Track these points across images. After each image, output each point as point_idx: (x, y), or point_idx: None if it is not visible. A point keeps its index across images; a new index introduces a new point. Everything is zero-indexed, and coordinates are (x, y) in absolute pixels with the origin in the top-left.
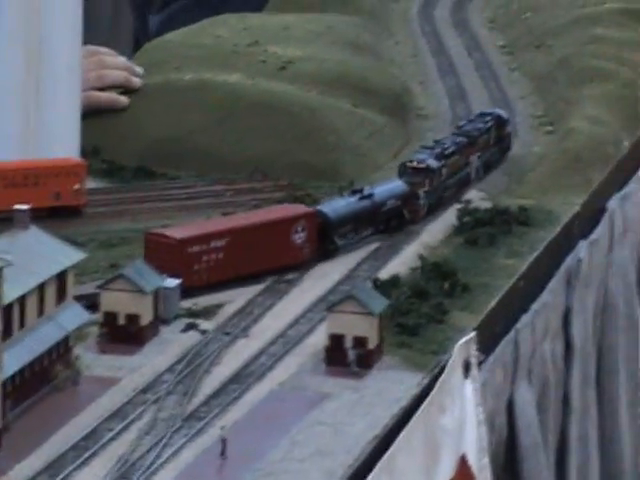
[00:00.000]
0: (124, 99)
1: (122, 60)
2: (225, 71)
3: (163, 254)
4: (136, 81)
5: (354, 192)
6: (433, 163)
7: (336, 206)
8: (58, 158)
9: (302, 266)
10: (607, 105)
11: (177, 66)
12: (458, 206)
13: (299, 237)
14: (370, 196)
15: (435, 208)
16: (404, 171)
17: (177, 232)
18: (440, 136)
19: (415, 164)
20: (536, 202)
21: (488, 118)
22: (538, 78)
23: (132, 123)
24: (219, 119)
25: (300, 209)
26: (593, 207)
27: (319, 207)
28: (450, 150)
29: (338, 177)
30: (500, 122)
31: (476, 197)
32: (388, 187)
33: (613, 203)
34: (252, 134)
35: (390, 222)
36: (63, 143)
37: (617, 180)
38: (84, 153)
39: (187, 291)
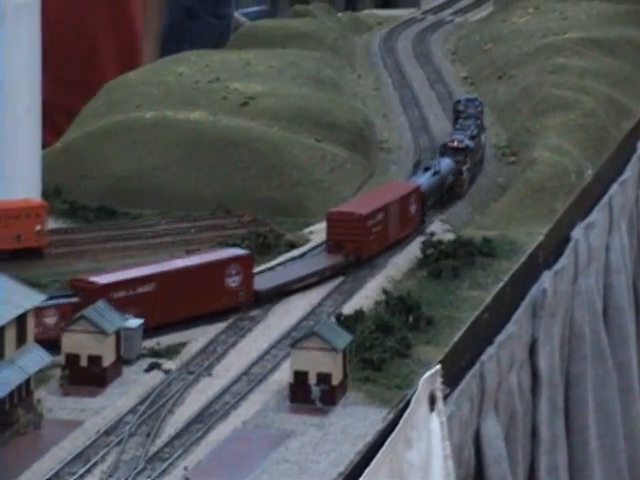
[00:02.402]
0: None
1: None
2: (187, 108)
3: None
4: None
5: (426, 169)
6: (470, 143)
7: (421, 181)
8: (19, 200)
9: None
10: (569, 134)
11: (138, 104)
12: (422, 239)
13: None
14: (439, 172)
15: (471, 183)
16: (445, 151)
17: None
18: (404, 170)
19: (456, 144)
20: (500, 233)
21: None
22: (500, 108)
23: (93, 162)
24: (181, 156)
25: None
26: (557, 237)
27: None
28: (475, 132)
29: (302, 212)
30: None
31: (440, 229)
32: (445, 164)
33: (577, 232)
34: (215, 170)
35: (445, 195)
36: (24, 184)
37: (581, 209)
38: (45, 194)
39: None
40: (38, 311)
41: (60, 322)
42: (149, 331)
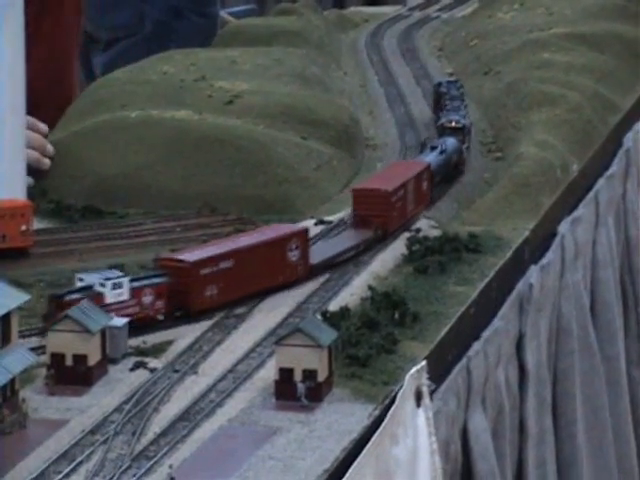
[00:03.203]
0: (47, 160)
1: (38, 137)
2: (172, 107)
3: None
4: (46, 163)
5: (433, 148)
6: (466, 122)
7: (430, 160)
8: (3, 200)
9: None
10: (555, 130)
11: (123, 103)
12: (407, 235)
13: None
14: (445, 151)
15: (469, 160)
16: (443, 131)
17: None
18: (390, 162)
19: (454, 124)
20: (486, 228)
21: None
22: (486, 104)
23: (79, 162)
24: (167, 155)
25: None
26: (543, 232)
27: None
28: (467, 112)
29: (288, 209)
30: None
31: (425, 225)
32: (450, 143)
33: (563, 227)
34: (200, 169)
35: (450, 172)
36: (8, 184)
37: (567, 204)
38: (30, 194)
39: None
40: (136, 291)
41: (156, 301)
42: (229, 305)
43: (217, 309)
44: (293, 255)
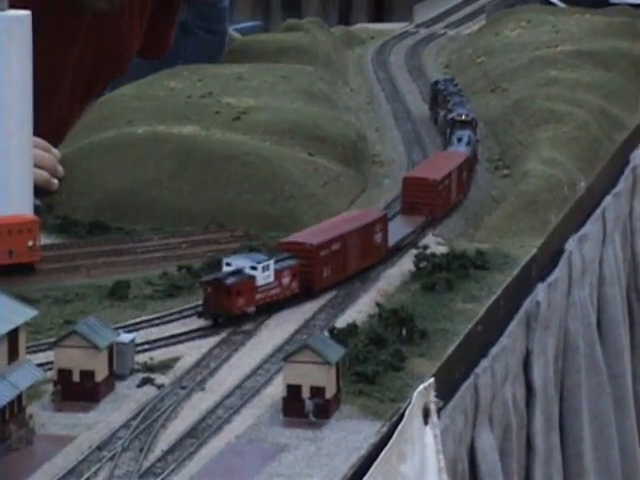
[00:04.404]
0: (56, 181)
1: (50, 158)
2: (179, 123)
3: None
4: (55, 184)
5: (459, 140)
6: (474, 116)
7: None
8: (10, 215)
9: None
10: (562, 147)
11: (130, 119)
12: (415, 252)
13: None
14: (470, 142)
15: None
16: (454, 125)
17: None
18: (397, 183)
19: (464, 117)
20: (493, 246)
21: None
22: (493, 121)
23: (86, 178)
24: (173, 171)
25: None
26: (551, 249)
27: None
28: (468, 107)
29: (295, 226)
30: None
31: (433, 242)
32: (469, 135)
33: (571, 244)
34: (207, 185)
35: (474, 163)
36: (15, 200)
37: (574, 221)
38: (38, 209)
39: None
40: (278, 273)
41: (291, 282)
42: (335, 286)
43: (328, 289)
44: (378, 238)
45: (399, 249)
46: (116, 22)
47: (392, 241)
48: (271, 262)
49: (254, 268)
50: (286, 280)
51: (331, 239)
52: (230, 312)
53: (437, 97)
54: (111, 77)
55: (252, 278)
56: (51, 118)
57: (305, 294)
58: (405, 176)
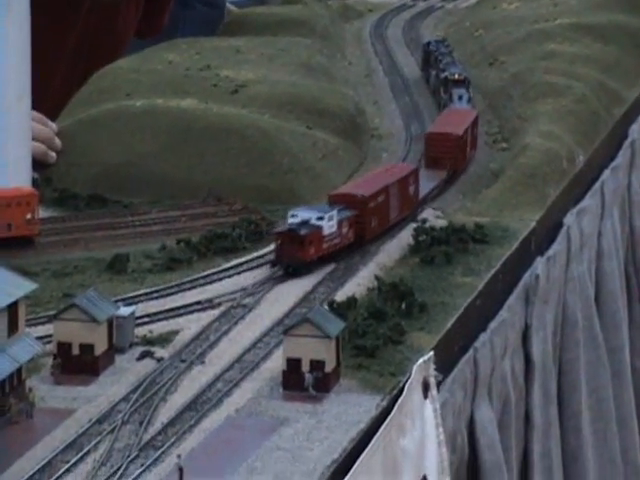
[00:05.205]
0: (53, 154)
1: (47, 131)
2: (177, 96)
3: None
4: (52, 156)
5: (460, 98)
6: (467, 75)
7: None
8: (9, 188)
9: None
10: (561, 120)
11: (128, 92)
12: (414, 225)
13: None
14: (470, 100)
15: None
16: (447, 83)
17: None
18: (395, 157)
19: (457, 76)
20: (492, 219)
21: None
22: (492, 95)
23: (84, 150)
24: (172, 144)
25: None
26: (549, 223)
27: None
28: (462, 67)
29: (293, 199)
30: None
31: (431, 215)
32: (466, 93)
33: (569, 218)
34: (205, 158)
35: None
36: (14, 173)
37: (573, 195)
38: (35, 182)
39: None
40: (339, 223)
41: (348, 231)
42: (381, 236)
43: (375, 239)
44: (411, 190)
45: (425, 202)
46: (113, 9)
47: (421, 194)
48: (335, 213)
49: (321, 219)
50: (345, 230)
51: (378, 191)
52: (302, 261)
53: (429, 58)
54: (108, 59)
55: (320, 228)
56: (49, 92)
57: (357, 243)
58: (427, 132)
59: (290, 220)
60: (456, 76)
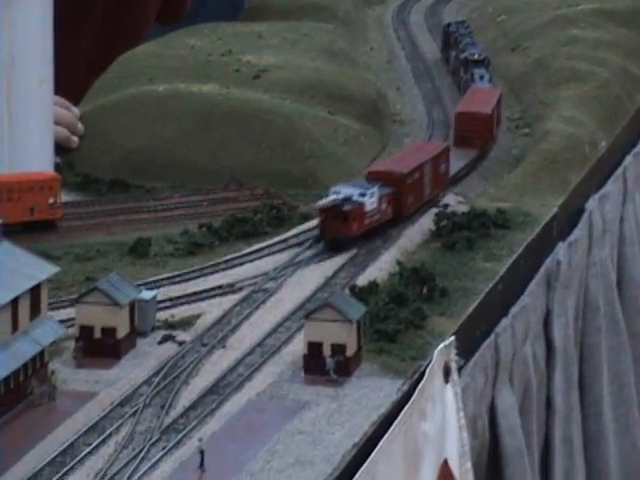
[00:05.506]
0: (76, 139)
1: (70, 116)
2: (199, 81)
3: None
4: (75, 141)
5: (482, 77)
6: (487, 55)
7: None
8: (32, 172)
9: None
10: (583, 106)
11: (150, 77)
12: (435, 210)
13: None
14: (491, 79)
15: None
16: (467, 64)
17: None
18: (417, 141)
19: (476, 56)
20: (514, 204)
21: None
22: (514, 80)
23: (106, 135)
24: (194, 129)
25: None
26: (571, 208)
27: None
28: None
29: (314, 184)
30: None
31: (453, 201)
32: (486, 73)
33: (591, 204)
34: (227, 143)
35: None
36: (36, 157)
37: (595, 181)
38: (58, 167)
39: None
40: (379, 199)
41: (387, 207)
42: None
43: (410, 216)
44: (442, 168)
45: (455, 181)
46: None
47: (452, 171)
48: (376, 189)
49: (363, 195)
50: (384, 206)
51: (414, 168)
52: (346, 236)
53: (449, 39)
54: (130, 45)
55: (362, 204)
56: (71, 77)
57: (395, 219)
58: (457, 111)
59: (332, 196)
60: (476, 56)
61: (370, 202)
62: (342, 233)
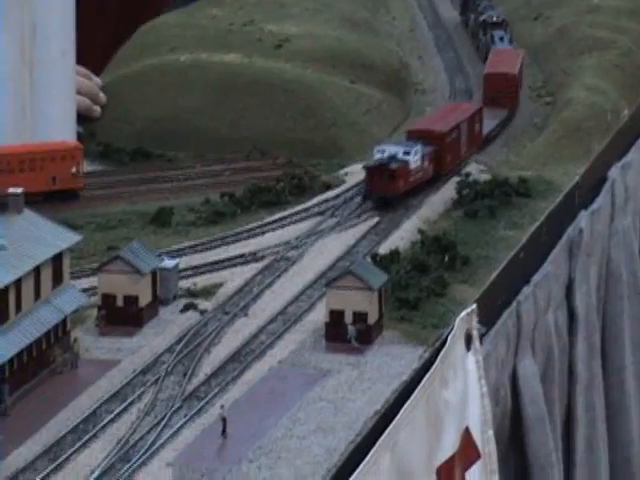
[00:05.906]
0: (98, 108)
1: (91, 85)
2: (221, 50)
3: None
4: (97, 111)
5: (502, 39)
6: (505, 17)
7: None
8: (54, 142)
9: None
10: (606, 74)
11: (172, 47)
12: (457, 179)
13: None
14: (512, 40)
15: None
16: (485, 26)
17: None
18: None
19: (495, 19)
20: (536, 173)
21: None
22: (536, 49)
23: (128, 105)
24: (216, 99)
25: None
26: (594, 177)
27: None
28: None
29: (337, 153)
30: None
31: (475, 169)
32: (506, 34)
33: (614, 172)
34: (249, 113)
35: None
36: (59, 126)
37: (617, 149)
38: (80, 136)
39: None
40: (422, 157)
41: (429, 165)
42: (454, 171)
43: (448, 174)
44: (477, 128)
45: (488, 140)
46: None
47: (485, 131)
48: (419, 147)
49: (407, 153)
50: (426, 164)
51: (452, 127)
52: (393, 194)
53: (467, 2)
54: (152, 14)
55: (407, 163)
56: (93, 47)
57: (435, 178)
58: (486, 72)
59: (377, 155)
60: (494, 18)
61: (414, 160)
62: (389, 191)
